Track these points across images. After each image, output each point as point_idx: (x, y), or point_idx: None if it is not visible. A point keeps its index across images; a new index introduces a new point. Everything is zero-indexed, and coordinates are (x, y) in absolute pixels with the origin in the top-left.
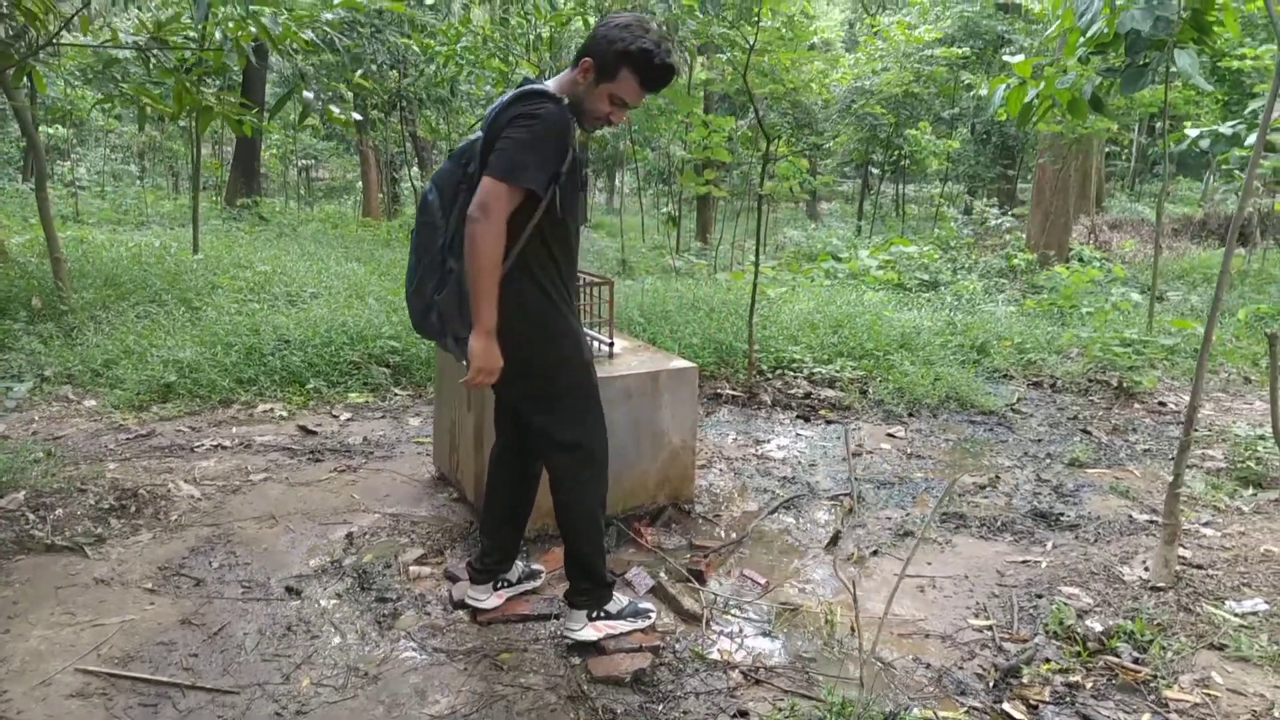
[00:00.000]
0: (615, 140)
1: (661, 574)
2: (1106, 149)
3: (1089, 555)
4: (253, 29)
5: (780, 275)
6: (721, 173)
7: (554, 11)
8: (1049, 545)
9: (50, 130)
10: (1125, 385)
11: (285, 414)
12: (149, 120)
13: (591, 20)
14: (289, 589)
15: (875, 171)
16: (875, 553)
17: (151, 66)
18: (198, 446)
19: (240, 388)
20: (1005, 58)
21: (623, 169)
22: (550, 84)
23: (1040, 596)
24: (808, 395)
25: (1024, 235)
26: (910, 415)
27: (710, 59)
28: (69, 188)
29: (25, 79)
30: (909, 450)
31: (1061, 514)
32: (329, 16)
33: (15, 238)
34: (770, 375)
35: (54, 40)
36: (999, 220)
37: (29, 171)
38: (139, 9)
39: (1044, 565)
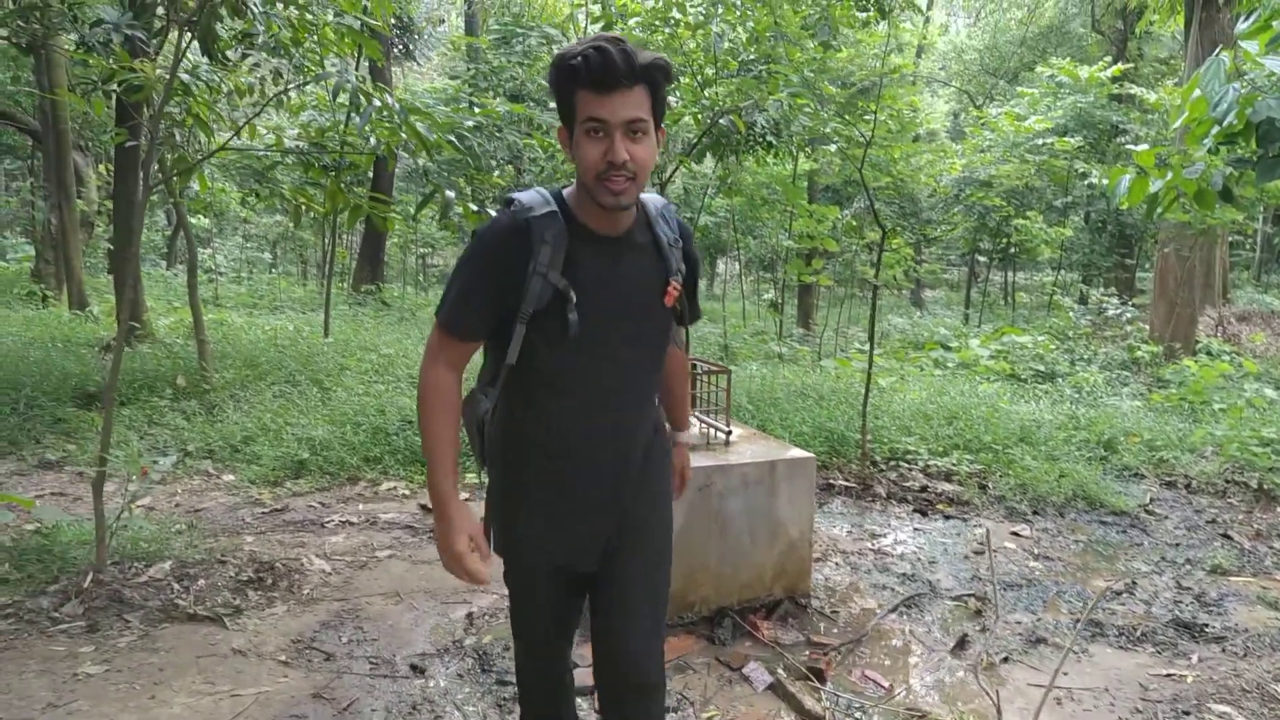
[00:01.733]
0: (718, 229)
1: (780, 670)
2: (1230, 238)
3: (1239, 671)
4: (404, 135)
5: (888, 364)
6: (825, 260)
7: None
8: (1194, 658)
9: (193, 220)
10: (1266, 487)
11: (407, 492)
12: (303, 218)
13: (701, 119)
14: (414, 667)
15: (982, 259)
16: (1005, 659)
17: (307, 169)
18: (327, 522)
19: (366, 466)
20: (1129, 147)
21: (725, 256)
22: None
23: (1188, 714)
24: (924, 489)
25: (1146, 326)
26: (1035, 513)
27: (815, 151)
28: (209, 274)
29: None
30: (1036, 550)
31: (1206, 625)
32: (469, 123)
33: (161, 320)
34: (884, 467)
35: (226, 145)
36: (1119, 310)
37: (172, 258)
38: (297, 116)
39: (1190, 680)
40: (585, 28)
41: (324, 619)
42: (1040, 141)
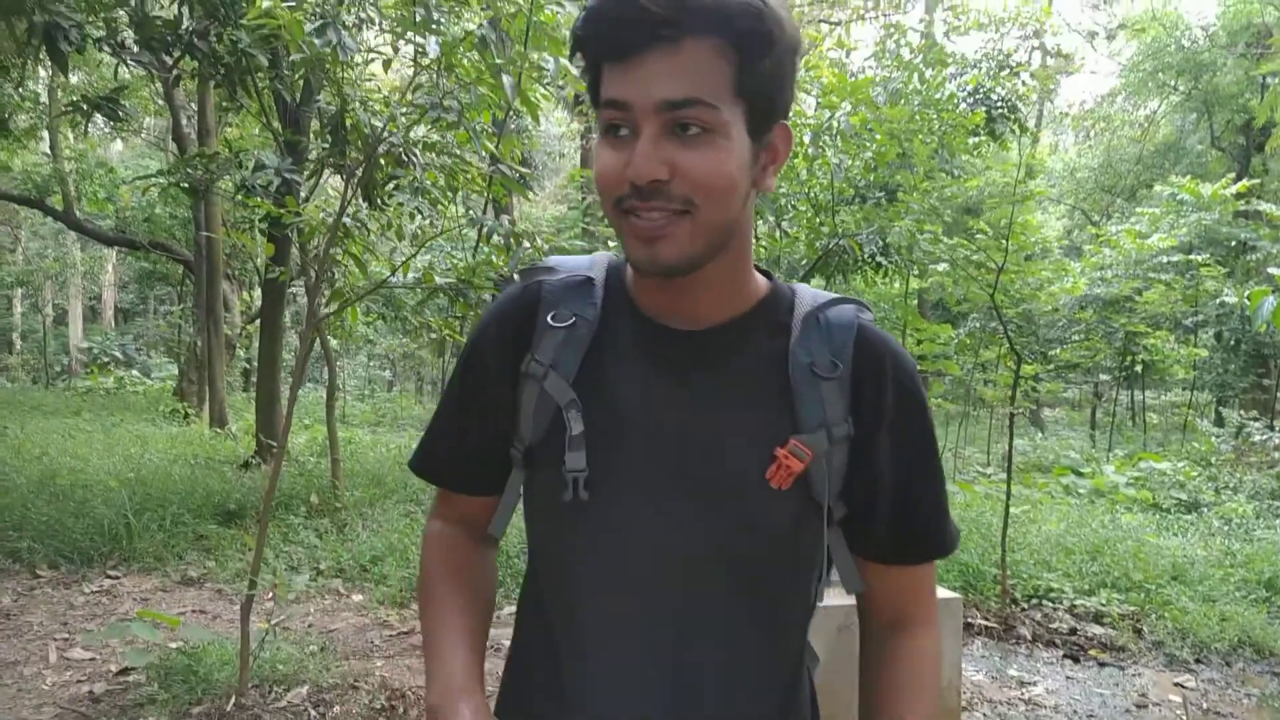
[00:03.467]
0: None
1: None
2: None
3: None
4: None
5: (1015, 489)
6: (942, 380)
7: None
8: None
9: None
10: None
11: None
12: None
13: (814, 244)
14: None
15: (1105, 378)
16: None
17: (454, 302)
18: None
19: None
20: (1271, 270)
21: None
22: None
23: None
24: (1073, 631)
25: None
26: (1198, 661)
27: (925, 272)
28: (337, 392)
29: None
30: (1204, 705)
31: None
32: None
33: (296, 438)
34: (1025, 605)
35: (384, 283)
36: (1265, 435)
37: (300, 379)
38: (422, 251)
39: None
40: None
41: None
42: (1166, 259)
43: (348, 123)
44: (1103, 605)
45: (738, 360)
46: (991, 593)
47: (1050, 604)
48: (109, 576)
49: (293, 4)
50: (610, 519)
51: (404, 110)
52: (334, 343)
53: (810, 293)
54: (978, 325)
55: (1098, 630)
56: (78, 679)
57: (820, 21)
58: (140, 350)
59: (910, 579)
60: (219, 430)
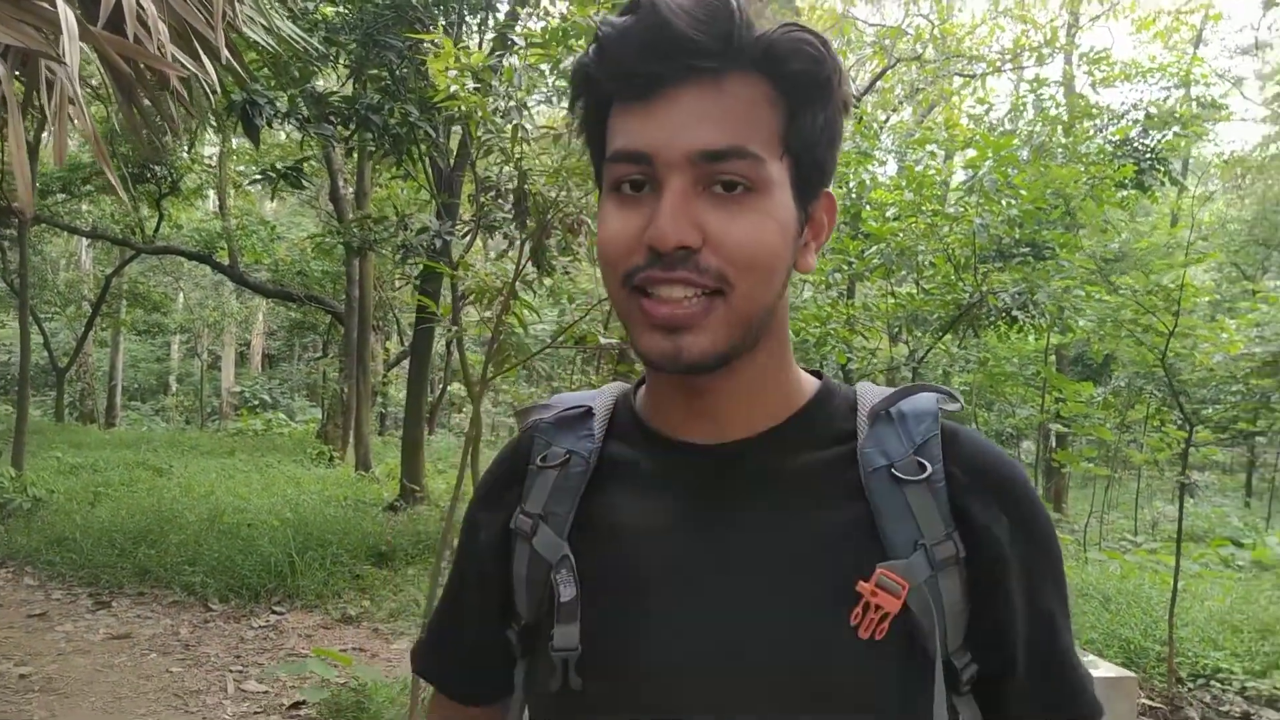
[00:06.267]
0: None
1: None
2: None
3: None
4: None
5: (1169, 560)
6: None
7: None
8: None
9: (454, 387)
10: None
11: None
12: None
13: (948, 303)
14: None
15: (1262, 440)
16: None
17: (618, 363)
18: None
19: None
20: None
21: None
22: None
23: None
24: (1246, 716)
25: None
26: None
27: (1071, 327)
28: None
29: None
30: None
31: None
32: None
33: (435, 483)
34: (1192, 686)
35: (551, 346)
36: None
37: (433, 425)
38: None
39: None
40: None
41: None
42: None
43: (531, 194)
44: (1276, 689)
45: (788, 475)
46: (1155, 671)
47: (1219, 685)
48: (274, 612)
49: (477, 86)
50: (618, 716)
51: (576, 180)
52: (457, 388)
53: (875, 389)
54: (1123, 383)
55: (1273, 715)
56: (254, 710)
57: (955, 75)
58: (285, 394)
59: None
60: (363, 473)
